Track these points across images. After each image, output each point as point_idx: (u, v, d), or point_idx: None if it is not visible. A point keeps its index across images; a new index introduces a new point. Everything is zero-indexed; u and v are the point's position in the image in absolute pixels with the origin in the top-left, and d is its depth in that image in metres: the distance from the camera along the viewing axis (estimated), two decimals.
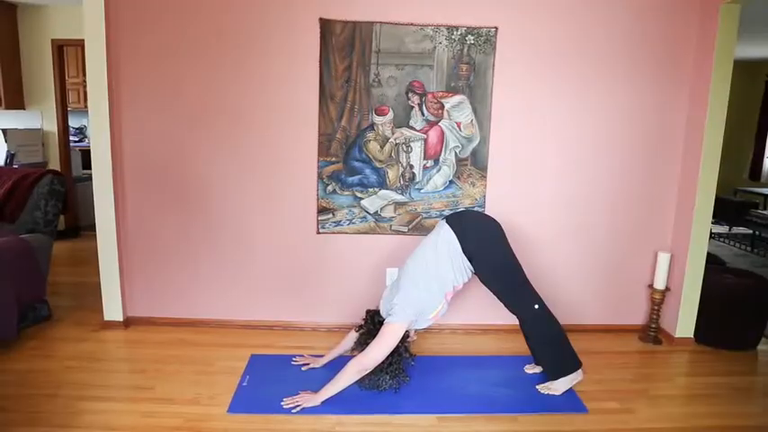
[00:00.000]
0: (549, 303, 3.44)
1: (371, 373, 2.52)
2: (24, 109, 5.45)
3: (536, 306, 2.65)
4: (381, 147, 3.25)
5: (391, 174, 3.29)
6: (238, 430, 2.32)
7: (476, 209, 3.33)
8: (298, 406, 2.45)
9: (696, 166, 3.22)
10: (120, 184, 3.25)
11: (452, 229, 2.64)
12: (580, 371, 2.71)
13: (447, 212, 3.32)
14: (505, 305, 2.71)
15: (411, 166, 3.28)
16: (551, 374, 2.71)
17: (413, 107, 3.22)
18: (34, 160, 5.40)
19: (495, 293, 2.71)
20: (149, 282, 3.38)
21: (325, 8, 3.09)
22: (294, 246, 3.35)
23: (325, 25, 3.10)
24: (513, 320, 2.77)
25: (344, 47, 3.13)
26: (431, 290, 2.60)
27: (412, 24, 3.12)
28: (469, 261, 2.63)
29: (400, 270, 2.77)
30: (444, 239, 2.63)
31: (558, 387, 2.67)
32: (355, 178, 3.28)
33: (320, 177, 3.27)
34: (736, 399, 2.73)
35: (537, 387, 2.72)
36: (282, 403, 2.48)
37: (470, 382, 2.78)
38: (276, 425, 2.36)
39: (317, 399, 2.48)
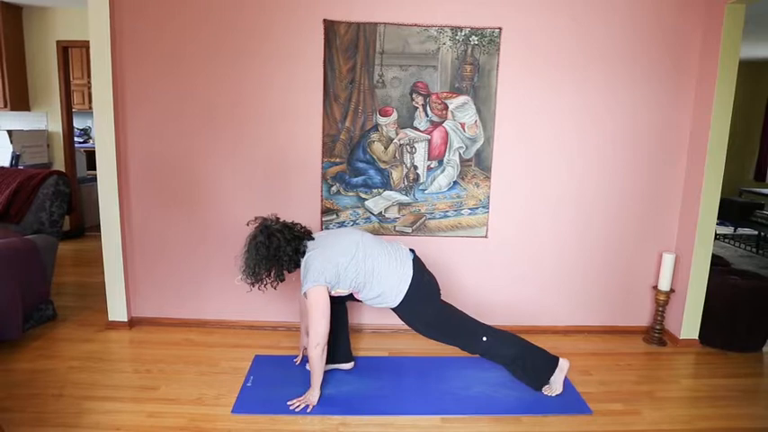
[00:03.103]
0: (552, 304, 3.44)
1: (248, 268, 2.45)
2: (29, 110, 5.48)
3: (484, 338, 2.60)
4: (385, 148, 3.25)
5: (395, 174, 3.29)
6: (242, 430, 2.33)
7: (479, 209, 3.33)
8: (307, 406, 2.47)
9: (701, 167, 3.21)
10: (125, 184, 3.26)
11: (409, 288, 2.51)
12: (561, 363, 2.67)
13: (450, 214, 3.33)
14: (462, 350, 2.69)
15: (415, 167, 3.28)
16: (535, 386, 2.69)
17: (417, 108, 3.22)
18: (39, 161, 5.43)
19: (447, 344, 2.71)
20: (154, 282, 3.39)
21: (330, 9, 3.09)
22: None
23: (330, 26, 3.11)
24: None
25: (348, 48, 3.14)
26: (348, 269, 2.45)
27: (416, 25, 3.12)
28: (395, 309, 2.58)
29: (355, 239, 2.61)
30: (402, 274, 2.50)
31: (554, 388, 2.67)
32: (359, 179, 3.29)
33: (324, 178, 3.27)
34: (741, 400, 2.72)
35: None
36: (290, 406, 2.48)
37: (474, 384, 2.78)
38: (280, 425, 2.37)
39: (313, 392, 2.50)
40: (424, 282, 2.58)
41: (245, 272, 2.48)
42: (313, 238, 2.58)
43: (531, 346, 2.68)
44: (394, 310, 2.59)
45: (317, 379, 2.49)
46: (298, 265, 2.52)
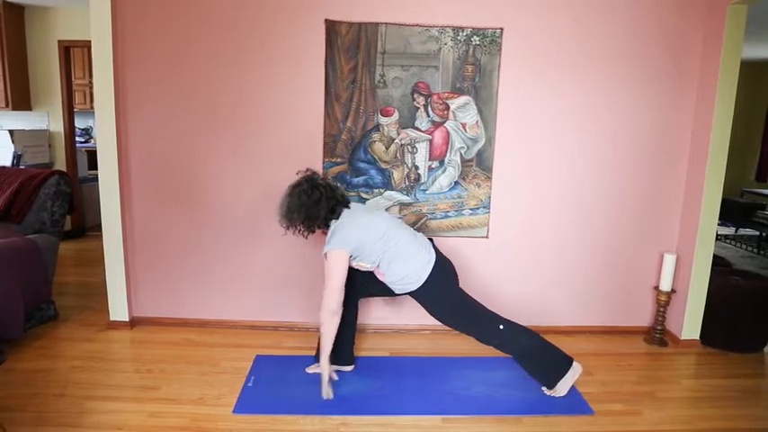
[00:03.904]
0: (553, 305, 3.44)
1: (287, 212, 2.54)
2: (31, 110, 5.48)
3: (501, 327, 2.61)
4: (386, 148, 3.25)
5: (396, 175, 3.29)
6: (243, 430, 2.33)
7: (480, 210, 3.33)
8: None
9: (702, 167, 3.21)
10: (126, 184, 3.27)
11: (431, 271, 2.55)
12: (575, 365, 2.67)
13: (451, 214, 3.33)
14: (477, 340, 2.70)
15: (416, 167, 3.29)
16: (546, 383, 2.69)
17: (418, 108, 3.22)
18: (41, 161, 5.43)
19: (463, 333, 2.73)
20: (155, 282, 3.39)
21: (331, 10, 3.10)
22: (299, 246, 3.35)
23: (331, 27, 3.11)
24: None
25: (350, 48, 3.14)
26: (375, 246, 2.51)
27: (417, 25, 3.13)
28: (413, 294, 2.63)
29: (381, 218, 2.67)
30: (426, 260, 2.56)
31: (560, 389, 2.66)
32: (360, 179, 3.29)
33: (325, 178, 3.27)
34: (742, 401, 2.72)
35: (542, 388, 2.71)
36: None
37: (475, 384, 2.78)
38: (281, 425, 2.37)
39: (323, 362, 2.54)
40: (444, 267, 2.63)
41: (282, 215, 2.57)
42: (350, 208, 2.64)
43: (547, 343, 2.68)
44: (414, 294, 2.62)
45: (326, 348, 2.50)
46: (328, 226, 2.58)
